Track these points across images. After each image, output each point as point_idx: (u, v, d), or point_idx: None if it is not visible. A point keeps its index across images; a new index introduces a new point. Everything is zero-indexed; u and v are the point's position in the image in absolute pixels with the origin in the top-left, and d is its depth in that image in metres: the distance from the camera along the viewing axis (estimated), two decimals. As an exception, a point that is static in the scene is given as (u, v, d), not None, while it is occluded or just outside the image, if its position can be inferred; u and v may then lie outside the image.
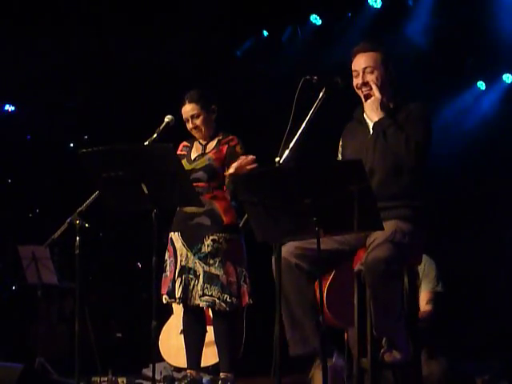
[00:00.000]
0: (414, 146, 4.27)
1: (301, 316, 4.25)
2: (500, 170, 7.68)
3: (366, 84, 4.47)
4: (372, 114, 4.43)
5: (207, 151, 5.39)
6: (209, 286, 5.19)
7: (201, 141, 5.46)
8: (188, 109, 5.37)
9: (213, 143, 5.41)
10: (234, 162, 5.18)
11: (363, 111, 4.56)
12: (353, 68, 4.52)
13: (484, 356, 6.24)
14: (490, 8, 7.32)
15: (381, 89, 4.46)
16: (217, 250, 5.22)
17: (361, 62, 4.48)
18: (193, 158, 5.40)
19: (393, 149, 4.32)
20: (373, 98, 4.43)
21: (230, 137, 5.39)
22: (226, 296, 5.20)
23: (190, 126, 5.40)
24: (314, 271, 4.21)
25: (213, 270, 5.22)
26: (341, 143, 4.69)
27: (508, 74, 7.98)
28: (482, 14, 7.36)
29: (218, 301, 5.18)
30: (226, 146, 5.34)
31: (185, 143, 5.53)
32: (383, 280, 4.10)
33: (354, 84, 4.52)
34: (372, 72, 4.46)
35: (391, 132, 4.33)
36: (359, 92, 4.52)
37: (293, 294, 4.30)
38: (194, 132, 5.42)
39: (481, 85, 8.12)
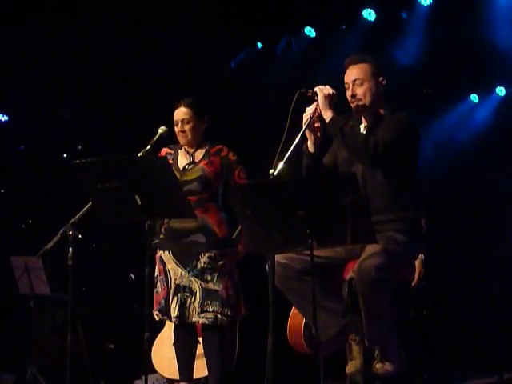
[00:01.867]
0: (373, 145, 4.23)
1: (311, 305, 4.12)
2: (493, 182, 7.70)
3: (354, 96, 4.48)
4: (325, 112, 4.35)
5: (196, 160, 5.35)
6: (209, 302, 5.15)
7: (186, 148, 5.40)
8: (181, 112, 5.32)
9: (201, 152, 5.35)
10: (233, 171, 5.24)
11: (356, 120, 4.58)
12: (345, 80, 4.54)
13: (475, 367, 6.24)
14: (483, 22, 7.35)
15: (372, 100, 4.47)
16: (214, 266, 5.20)
17: (351, 74, 4.50)
18: (181, 167, 5.31)
19: (349, 147, 4.32)
20: (325, 95, 4.35)
21: (218, 146, 5.35)
22: (227, 310, 5.17)
23: (177, 129, 5.32)
24: (306, 272, 4.18)
25: (211, 285, 5.18)
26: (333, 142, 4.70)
27: (501, 87, 8.01)
28: (475, 27, 7.39)
29: (219, 316, 5.14)
30: (218, 157, 5.32)
31: (167, 150, 5.42)
32: (373, 287, 4.13)
33: (347, 95, 4.53)
34: (361, 84, 4.47)
35: (347, 130, 4.31)
36: (350, 103, 4.54)
37: (296, 289, 4.32)
38: (180, 136, 5.33)
39: (474, 98, 8.14)
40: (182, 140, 5.35)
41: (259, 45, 8.21)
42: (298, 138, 4.19)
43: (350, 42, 7.75)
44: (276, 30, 8.00)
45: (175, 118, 5.34)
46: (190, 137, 5.31)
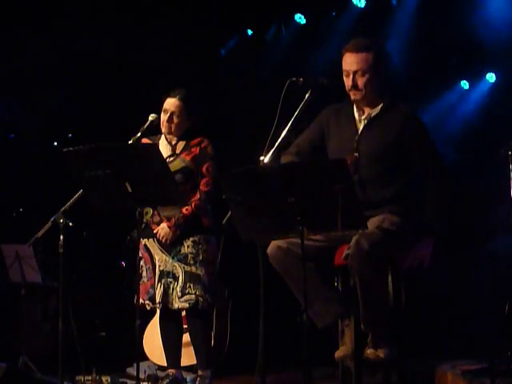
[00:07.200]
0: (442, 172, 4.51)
1: (311, 290, 4.17)
2: (483, 170, 7.70)
3: (356, 87, 4.41)
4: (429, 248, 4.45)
5: (177, 152, 5.33)
6: (191, 284, 5.18)
7: (168, 138, 5.37)
8: (172, 103, 5.29)
9: (182, 144, 5.34)
10: (204, 164, 5.24)
11: (352, 107, 4.56)
12: (343, 67, 4.44)
13: (466, 354, 6.26)
14: (472, 7, 7.36)
15: (372, 91, 4.43)
16: (197, 251, 5.23)
17: (352, 63, 4.40)
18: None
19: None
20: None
21: (199, 138, 5.34)
22: (207, 296, 5.21)
23: (164, 117, 5.28)
24: (307, 258, 4.16)
25: (194, 269, 5.21)
26: (318, 125, 4.63)
27: (491, 74, 8.01)
28: (465, 13, 7.39)
29: (201, 299, 5.18)
30: (198, 147, 5.31)
31: (147, 141, 5.38)
32: (368, 262, 4.12)
33: (345, 83, 4.47)
34: (363, 75, 4.39)
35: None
36: (349, 92, 4.47)
37: (295, 273, 4.27)
38: (164, 124, 5.29)
39: (464, 84, 8.14)
40: (164, 129, 5.33)
41: (249, 32, 8.20)
42: (288, 126, 4.19)
43: (340, 28, 7.76)
44: (266, 17, 7.99)
45: (165, 107, 5.32)
46: (173, 128, 5.31)
